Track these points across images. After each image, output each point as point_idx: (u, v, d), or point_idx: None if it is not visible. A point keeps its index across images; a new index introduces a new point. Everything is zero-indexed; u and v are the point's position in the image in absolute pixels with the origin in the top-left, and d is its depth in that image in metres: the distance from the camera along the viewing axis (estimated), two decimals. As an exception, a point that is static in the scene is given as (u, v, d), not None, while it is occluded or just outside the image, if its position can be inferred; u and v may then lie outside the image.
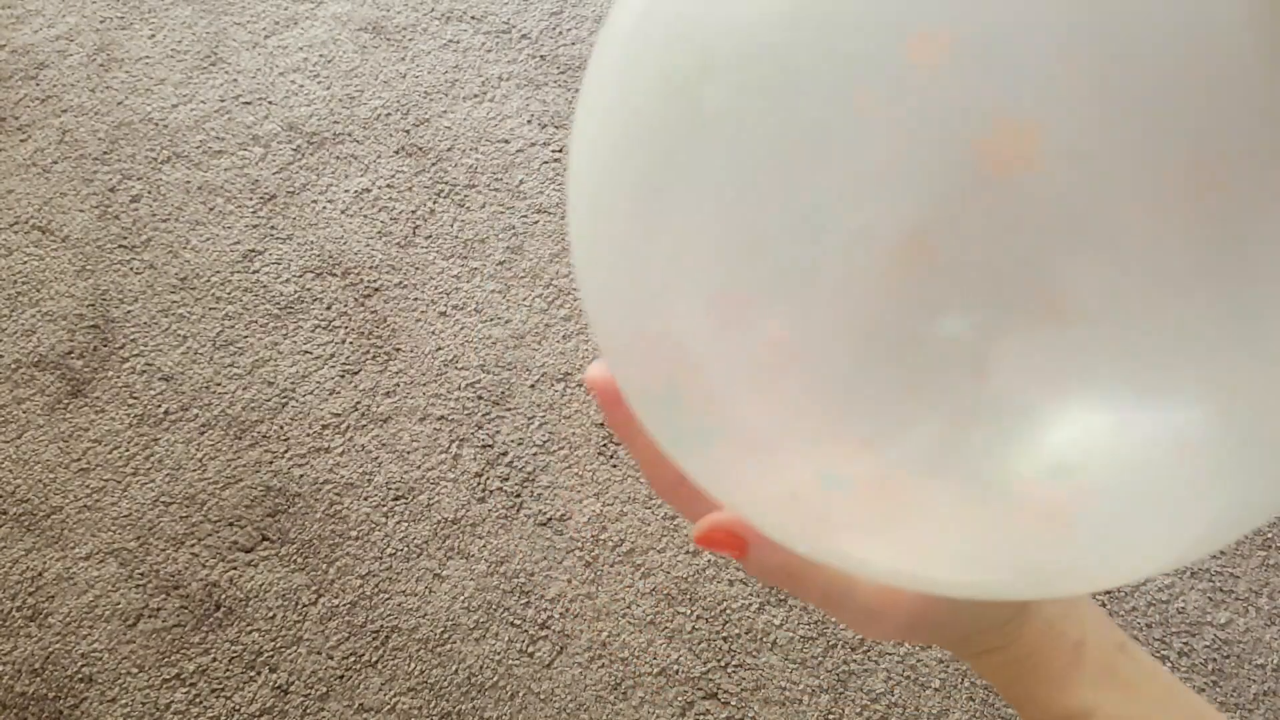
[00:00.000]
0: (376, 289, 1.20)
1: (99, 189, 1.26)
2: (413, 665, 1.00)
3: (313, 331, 1.17)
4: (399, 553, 1.05)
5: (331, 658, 1.00)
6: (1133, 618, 1.03)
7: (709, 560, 1.05)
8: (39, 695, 0.98)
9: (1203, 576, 1.05)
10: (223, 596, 1.03)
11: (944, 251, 0.15)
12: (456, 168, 1.29)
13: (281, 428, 1.11)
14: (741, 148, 0.16)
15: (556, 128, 1.33)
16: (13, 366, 1.14)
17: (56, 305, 1.18)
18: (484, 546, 1.05)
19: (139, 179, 1.27)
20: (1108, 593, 1.04)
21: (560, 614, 1.02)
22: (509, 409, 1.13)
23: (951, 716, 0.97)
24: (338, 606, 1.02)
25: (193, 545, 1.05)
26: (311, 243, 1.23)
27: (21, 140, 1.30)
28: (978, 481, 0.17)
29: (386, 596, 1.03)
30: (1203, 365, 0.15)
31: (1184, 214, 0.14)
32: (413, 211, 1.26)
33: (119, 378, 1.14)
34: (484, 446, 1.11)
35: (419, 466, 1.09)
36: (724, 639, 1.01)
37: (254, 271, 1.21)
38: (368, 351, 1.16)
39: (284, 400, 1.13)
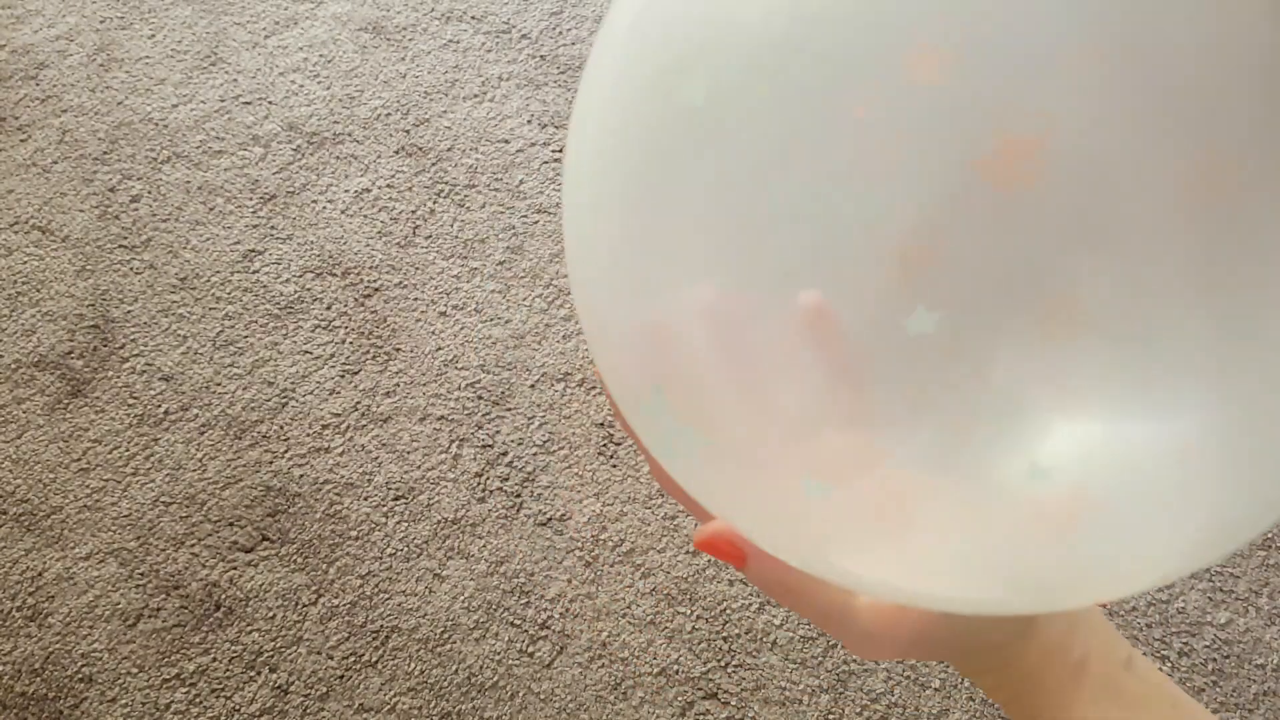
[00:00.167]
0: (376, 289, 1.20)
1: (99, 189, 1.26)
2: (413, 665, 1.00)
3: (313, 331, 1.17)
4: (399, 553, 1.05)
5: (331, 658, 1.00)
6: (1132, 618, 1.03)
7: (709, 560, 1.05)
8: (39, 695, 0.98)
9: (1203, 576, 1.05)
10: (223, 596, 1.03)
11: (944, 257, 0.15)
12: (456, 168, 1.29)
13: (281, 428, 1.11)
14: (737, 149, 0.16)
15: (556, 128, 1.33)
16: (13, 366, 1.14)
17: (56, 305, 1.18)
18: (484, 546, 1.05)
19: (139, 179, 1.27)
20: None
21: (560, 614, 1.02)
22: (509, 409, 1.13)
23: (951, 716, 0.97)
24: (338, 606, 1.02)
25: (193, 545, 1.05)
26: (311, 243, 1.23)
27: (21, 140, 1.30)
28: (976, 490, 0.17)
29: (386, 596, 1.03)
30: (1204, 372, 0.15)
31: (1185, 224, 0.14)
32: (413, 211, 1.26)
33: (119, 378, 1.14)
34: (484, 446, 1.11)
35: (419, 466, 1.09)
36: (724, 639, 1.01)
37: (254, 271, 1.21)
38: (368, 351, 1.16)
39: (284, 400, 1.13)
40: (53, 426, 1.11)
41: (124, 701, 0.98)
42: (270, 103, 1.33)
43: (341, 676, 0.99)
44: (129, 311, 1.18)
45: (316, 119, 1.32)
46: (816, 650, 1.00)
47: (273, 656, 1.00)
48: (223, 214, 1.25)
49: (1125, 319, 0.15)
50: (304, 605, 1.02)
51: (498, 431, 1.11)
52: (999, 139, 0.14)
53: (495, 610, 1.02)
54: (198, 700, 0.98)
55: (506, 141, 1.32)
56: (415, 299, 1.20)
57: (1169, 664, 1.00)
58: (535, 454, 1.10)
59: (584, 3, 1.45)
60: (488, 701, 0.98)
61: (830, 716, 0.97)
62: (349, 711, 0.98)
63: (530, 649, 1.00)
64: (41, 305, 1.18)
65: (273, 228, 1.24)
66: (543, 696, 0.98)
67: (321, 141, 1.31)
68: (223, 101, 1.33)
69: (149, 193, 1.26)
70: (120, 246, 1.22)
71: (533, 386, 1.14)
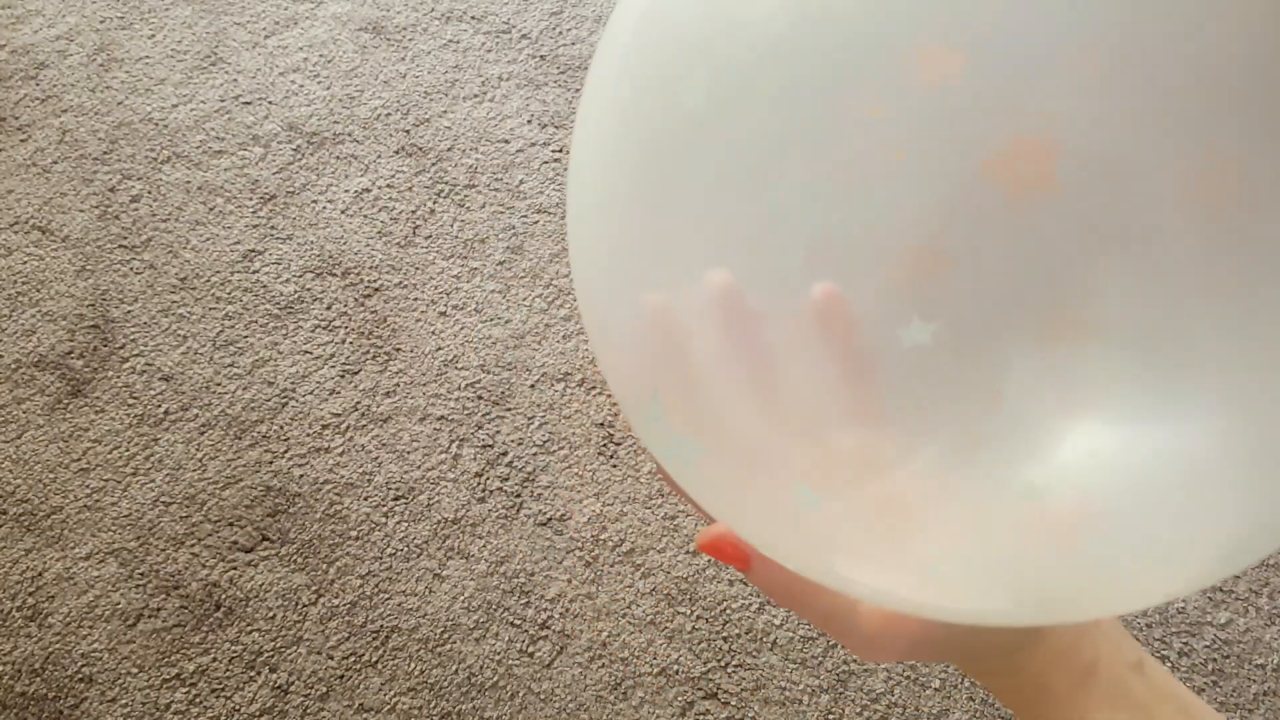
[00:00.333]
0: (376, 289, 1.20)
1: (99, 189, 1.26)
2: (413, 665, 1.00)
3: (313, 331, 1.17)
4: (399, 553, 1.05)
5: (331, 658, 1.00)
6: (1132, 617, 1.03)
7: (709, 560, 1.05)
8: (39, 695, 0.98)
9: (1203, 576, 1.05)
10: (223, 596, 1.03)
11: (953, 261, 0.15)
12: (456, 168, 1.29)
13: (281, 428, 1.11)
14: (739, 150, 0.16)
15: (556, 128, 1.33)
16: (13, 366, 1.14)
17: (56, 305, 1.18)
18: (484, 546, 1.05)
19: (139, 179, 1.27)
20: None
21: (560, 614, 1.02)
22: (509, 409, 1.13)
23: (951, 716, 0.97)
24: (338, 606, 1.02)
25: (193, 545, 1.05)
26: (311, 243, 1.23)
27: (21, 140, 1.30)
28: (981, 498, 0.16)
29: (386, 596, 1.03)
30: (1217, 380, 0.15)
31: (1199, 227, 0.14)
32: (413, 211, 1.26)
33: (119, 378, 1.14)
34: (484, 446, 1.11)
35: (419, 466, 1.09)
36: (724, 639, 1.01)
37: (254, 271, 1.21)
38: (368, 351, 1.16)
39: (284, 400, 1.13)
40: (53, 426, 1.11)
41: (124, 701, 0.98)
42: (270, 103, 1.33)
43: (341, 676, 0.99)
44: (129, 311, 1.18)
45: (316, 119, 1.32)
46: (816, 650, 1.00)
47: (273, 656, 1.00)
48: (223, 214, 1.25)
49: (1136, 325, 0.15)
50: (304, 605, 1.02)
51: (498, 431, 1.11)
52: (1010, 140, 0.14)
53: (495, 610, 1.02)
54: (198, 700, 0.98)
55: (506, 141, 1.32)
56: (415, 299, 1.20)
57: (1169, 664, 1.00)
58: (535, 454, 1.10)
59: (584, 3, 1.45)
60: (488, 701, 0.98)
61: (830, 716, 0.97)
62: (349, 711, 0.98)
63: (530, 649, 1.00)
64: (41, 305, 1.18)
65: (273, 228, 1.24)
66: (543, 696, 0.98)
67: (321, 141, 1.31)
68: (223, 101, 1.33)
69: (149, 193, 1.26)
70: (120, 246, 1.22)
71: (533, 386, 1.14)
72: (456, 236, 1.24)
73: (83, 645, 1.00)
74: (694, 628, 1.01)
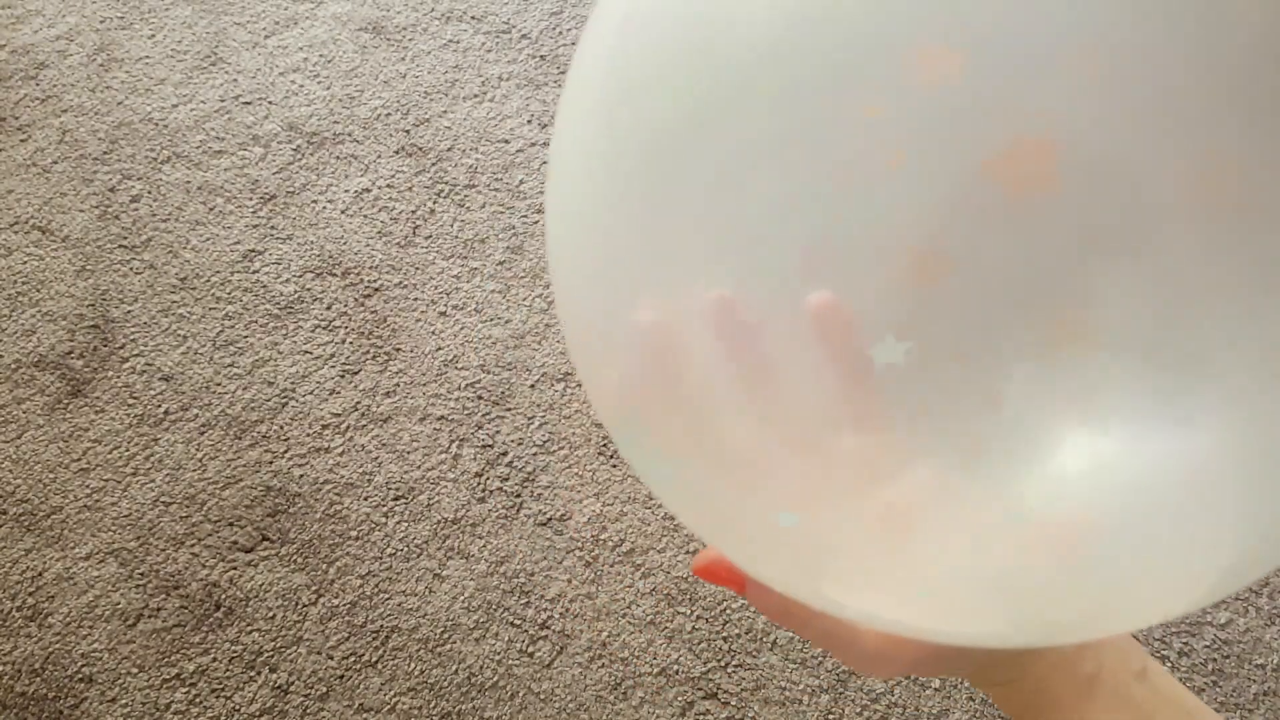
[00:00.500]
0: (376, 289, 1.20)
1: (99, 189, 1.26)
2: (413, 665, 1.00)
3: (313, 331, 1.17)
4: (399, 553, 1.05)
5: (331, 658, 1.00)
6: (1133, 618, 1.03)
7: (709, 560, 1.04)
8: (39, 695, 0.98)
9: (1203, 576, 1.05)
10: (223, 596, 1.03)
11: (955, 266, 0.14)
12: (456, 168, 1.29)
13: (281, 428, 1.11)
14: (738, 151, 0.16)
15: (556, 128, 1.33)
16: (13, 366, 1.14)
17: (56, 305, 1.18)
18: (484, 546, 1.05)
19: (139, 179, 1.27)
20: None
21: (560, 614, 1.02)
22: (509, 409, 1.13)
23: (951, 716, 0.97)
24: (338, 606, 1.02)
25: (193, 545, 1.05)
26: (311, 243, 1.23)
27: (21, 140, 1.30)
28: (978, 515, 0.16)
29: (386, 596, 1.03)
30: (1222, 388, 0.14)
31: (1204, 232, 0.14)
32: (413, 211, 1.26)
33: (119, 378, 1.14)
34: (484, 446, 1.11)
35: (419, 466, 1.09)
36: (724, 639, 1.01)
37: (254, 271, 1.21)
38: (368, 351, 1.16)
39: (284, 400, 1.13)
40: (53, 426, 1.11)
41: (124, 701, 0.98)
42: (270, 103, 1.33)
43: (341, 676, 0.99)
44: (129, 311, 1.18)
45: (316, 119, 1.32)
46: (816, 650, 1.00)
47: (273, 656, 1.00)
48: (223, 214, 1.25)
49: (1139, 330, 0.14)
50: (304, 605, 1.02)
51: (498, 431, 1.11)
52: (1010, 139, 0.14)
53: (495, 610, 1.02)
54: (198, 700, 0.98)
55: (506, 141, 1.32)
56: (415, 299, 1.20)
57: (1169, 664, 1.00)
58: (535, 454, 1.10)
59: (584, 2, 1.45)
60: (488, 701, 0.98)
61: (830, 716, 0.97)
62: (349, 711, 0.98)
63: (530, 649, 1.00)
64: (41, 305, 1.18)
65: (273, 228, 1.24)
66: (543, 696, 0.98)
67: (321, 141, 1.31)
68: (223, 101, 1.33)
69: (149, 193, 1.26)
70: (120, 246, 1.22)
71: (533, 386, 1.14)
72: (456, 236, 1.24)
73: (83, 645, 1.00)
74: (694, 628, 1.01)
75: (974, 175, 0.14)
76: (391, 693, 0.98)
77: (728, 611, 1.02)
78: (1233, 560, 0.16)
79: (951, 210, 0.14)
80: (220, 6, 1.42)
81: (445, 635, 1.01)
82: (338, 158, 1.29)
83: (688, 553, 1.05)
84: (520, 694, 0.98)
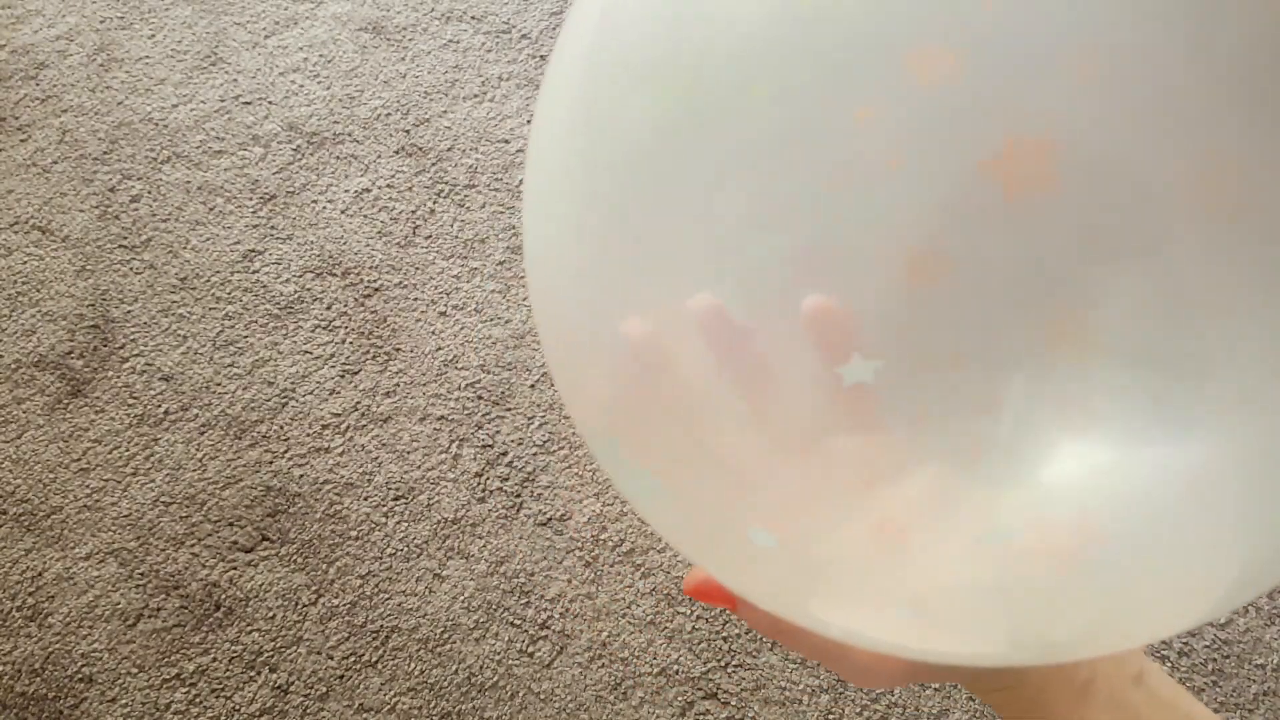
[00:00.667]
0: (376, 289, 1.20)
1: (99, 189, 1.26)
2: (413, 665, 1.00)
3: (313, 331, 1.17)
4: (399, 553, 1.05)
5: (331, 658, 1.00)
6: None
7: (709, 560, 1.04)
8: (39, 695, 0.98)
9: (1203, 576, 1.05)
10: (223, 596, 1.03)
11: (951, 269, 0.14)
12: (456, 168, 1.29)
13: (281, 428, 1.11)
14: (728, 155, 0.15)
15: (556, 128, 1.33)
16: (13, 366, 1.14)
17: (56, 305, 1.18)
18: (484, 546, 1.05)
19: (139, 179, 1.27)
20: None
21: (560, 614, 1.02)
22: (509, 409, 1.13)
23: (951, 717, 0.97)
24: (338, 606, 1.02)
25: (193, 545, 1.05)
26: (311, 242, 1.23)
27: (21, 140, 1.30)
28: (973, 527, 0.15)
29: (386, 596, 1.03)
30: (1226, 395, 0.14)
31: (1206, 236, 0.13)
32: (413, 211, 1.26)
33: (119, 378, 1.14)
34: (484, 446, 1.10)
35: (419, 466, 1.09)
36: (724, 639, 1.01)
37: (254, 271, 1.21)
38: (368, 351, 1.16)
39: (284, 400, 1.13)
40: (53, 426, 1.11)
41: (124, 702, 0.98)
42: (270, 103, 1.33)
43: (341, 676, 0.99)
44: (129, 311, 1.18)
45: (316, 119, 1.32)
46: (816, 650, 1.00)
47: (273, 656, 1.00)
48: (222, 214, 1.25)
49: (1140, 335, 0.14)
50: (304, 605, 1.02)
51: (498, 431, 1.11)
52: (1007, 140, 0.14)
53: (495, 610, 1.02)
54: (197, 700, 0.98)
55: (506, 141, 1.32)
56: (415, 299, 1.19)
57: (1169, 664, 1.00)
58: (535, 454, 1.10)
59: (584, 3, 1.45)
60: (488, 701, 0.98)
61: (830, 716, 0.97)
62: (349, 711, 0.98)
63: (530, 649, 1.00)
64: (41, 305, 1.18)
65: (273, 228, 1.24)
66: (543, 696, 0.98)
67: (321, 141, 1.30)
68: (223, 101, 1.33)
69: (149, 193, 1.26)
70: (120, 246, 1.22)
71: (533, 386, 1.14)
72: (456, 236, 1.24)
73: (83, 645, 1.00)
74: (694, 628, 1.01)
75: (971, 176, 0.14)
76: (391, 693, 0.98)
77: (727, 612, 1.02)
78: (1241, 571, 0.16)
79: (948, 212, 0.14)
80: (220, 6, 1.42)
81: (445, 635, 1.01)
82: (338, 158, 1.29)
83: (688, 553, 1.05)
84: (520, 694, 0.98)
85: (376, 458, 1.10)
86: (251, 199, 1.26)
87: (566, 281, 0.19)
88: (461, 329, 1.18)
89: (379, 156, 1.29)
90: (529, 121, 1.33)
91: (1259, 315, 0.14)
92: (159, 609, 1.02)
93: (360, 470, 1.09)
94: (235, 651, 1.00)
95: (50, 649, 1.00)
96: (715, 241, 0.16)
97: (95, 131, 1.30)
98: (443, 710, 0.97)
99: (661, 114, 0.16)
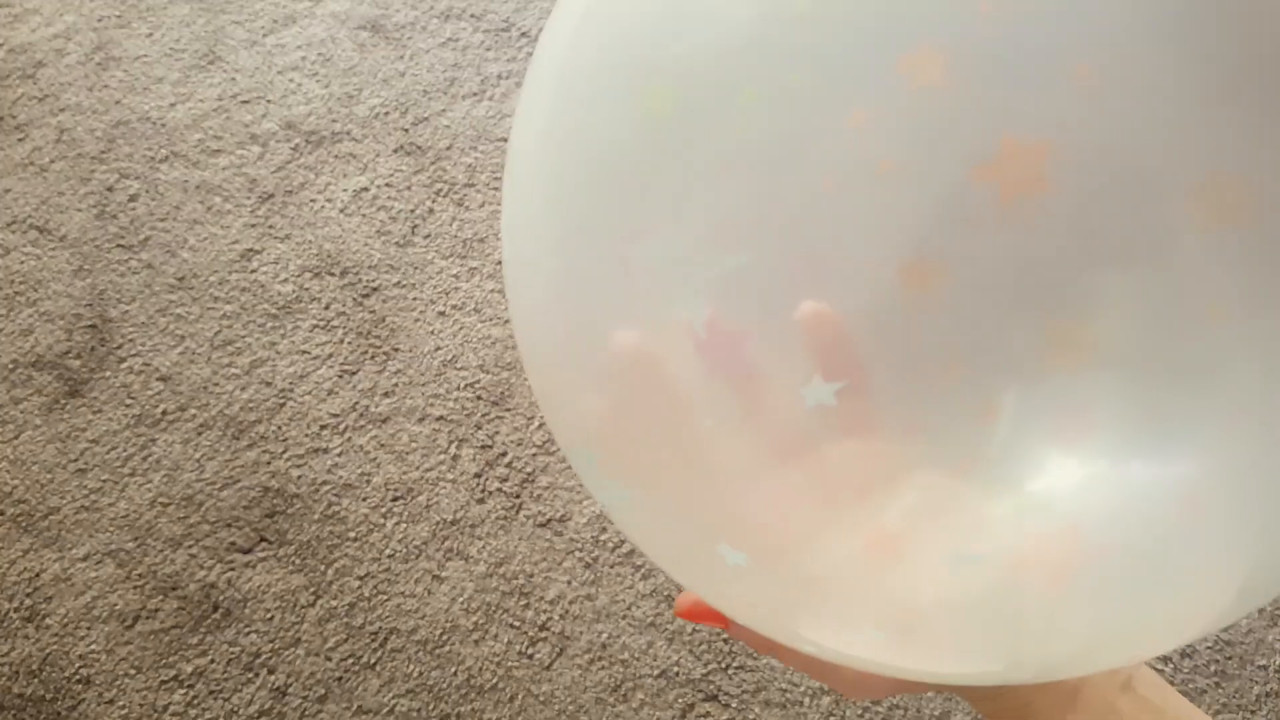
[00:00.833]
0: (375, 288, 1.20)
1: (96, 188, 1.26)
2: (411, 667, 0.99)
3: (311, 331, 1.17)
4: (398, 554, 1.04)
5: (330, 659, 1.00)
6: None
7: (709, 561, 1.04)
8: (37, 697, 0.98)
9: (1205, 578, 1.05)
10: (220, 598, 1.02)
11: (946, 276, 0.14)
12: (455, 166, 1.29)
13: (280, 428, 1.11)
14: (717, 160, 0.15)
15: (556, 126, 1.33)
16: (10, 366, 1.14)
17: (54, 305, 1.18)
18: (483, 548, 1.05)
19: (136, 178, 1.27)
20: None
21: (560, 615, 1.02)
22: (508, 409, 1.12)
23: (953, 719, 0.97)
24: (336, 608, 1.02)
25: (190, 546, 1.05)
26: (310, 242, 1.23)
27: (19, 139, 1.29)
28: (964, 541, 0.15)
29: (385, 598, 1.02)
30: (1226, 406, 0.14)
31: (1203, 241, 0.13)
32: (411, 210, 1.25)
33: (116, 378, 1.13)
34: (483, 447, 1.10)
35: (418, 467, 1.09)
36: (724, 640, 1.01)
37: (252, 271, 1.21)
38: (366, 351, 1.16)
39: (282, 400, 1.13)
40: (50, 427, 1.10)
41: (122, 703, 0.98)
42: (268, 101, 1.33)
43: (340, 678, 0.99)
44: (126, 311, 1.17)
45: (315, 118, 1.32)
46: (817, 652, 1.00)
47: (271, 658, 1.00)
48: (220, 213, 1.24)
49: (1136, 345, 0.14)
50: (302, 607, 1.02)
51: (497, 432, 1.11)
52: (1000, 143, 0.14)
53: (494, 612, 1.02)
54: (195, 702, 0.98)
55: (505, 140, 1.31)
56: (414, 299, 1.19)
57: (1171, 665, 1.00)
58: (535, 455, 1.10)
59: (584, 1, 1.44)
60: (487, 703, 0.98)
61: (831, 718, 0.97)
62: (347, 713, 0.97)
63: (530, 651, 1.00)
64: (39, 305, 1.18)
65: (271, 227, 1.24)
66: (542, 699, 0.98)
67: (320, 140, 1.30)
68: (220, 100, 1.33)
69: (146, 192, 1.26)
70: (118, 246, 1.22)
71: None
72: (455, 236, 1.24)
73: (80, 646, 1.00)
74: (694, 629, 1.01)
75: (965, 181, 0.14)
76: (390, 694, 0.98)
77: (728, 613, 1.02)
78: (1241, 583, 0.16)
79: (942, 217, 0.14)
80: (218, 5, 1.41)
81: (444, 637, 1.00)
82: (336, 156, 1.29)
83: (688, 554, 1.05)
84: (520, 696, 0.98)
85: (375, 458, 1.09)
86: (249, 198, 1.25)
87: (550, 294, 0.18)
88: (461, 329, 1.17)
89: (377, 155, 1.29)
90: (528, 120, 1.33)
91: (1256, 323, 0.14)
92: (157, 610, 1.02)
93: (359, 471, 1.09)
94: (233, 653, 1.00)
95: (48, 650, 1.00)
96: (704, 249, 0.16)
97: (93, 130, 1.30)
98: (441, 712, 0.97)
99: (649, 118, 0.16)
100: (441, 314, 1.18)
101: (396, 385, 1.14)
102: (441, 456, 1.09)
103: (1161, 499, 0.15)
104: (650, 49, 0.16)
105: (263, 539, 1.05)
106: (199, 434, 1.10)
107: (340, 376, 1.14)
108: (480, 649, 1.00)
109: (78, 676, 0.99)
